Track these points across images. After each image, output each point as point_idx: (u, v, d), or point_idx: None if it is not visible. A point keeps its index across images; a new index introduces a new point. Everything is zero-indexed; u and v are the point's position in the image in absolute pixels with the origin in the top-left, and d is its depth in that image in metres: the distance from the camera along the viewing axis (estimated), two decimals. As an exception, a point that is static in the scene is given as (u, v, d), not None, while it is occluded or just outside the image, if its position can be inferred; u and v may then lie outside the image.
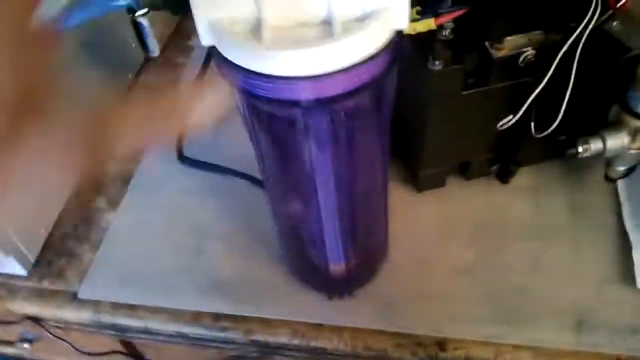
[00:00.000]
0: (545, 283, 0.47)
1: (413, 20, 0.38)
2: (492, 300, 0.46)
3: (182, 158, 0.57)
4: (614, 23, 0.40)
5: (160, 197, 0.56)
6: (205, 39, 0.27)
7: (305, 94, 0.26)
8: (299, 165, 0.34)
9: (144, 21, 0.67)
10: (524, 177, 0.52)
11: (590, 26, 0.37)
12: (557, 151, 0.44)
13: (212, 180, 0.56)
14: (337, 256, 0.42)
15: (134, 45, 0.67)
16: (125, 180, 0.58)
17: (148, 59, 0.71)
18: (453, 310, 0.46)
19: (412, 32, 0.38)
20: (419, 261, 0.48)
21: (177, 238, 0.53)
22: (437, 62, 0.39)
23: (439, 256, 0.49)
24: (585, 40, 0.39)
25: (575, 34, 0.38)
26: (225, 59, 0.26)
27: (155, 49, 0.71)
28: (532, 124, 0.42)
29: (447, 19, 0.39)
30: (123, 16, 0.65)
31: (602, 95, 0.43)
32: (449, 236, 0.50)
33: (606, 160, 0.46)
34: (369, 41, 0.25)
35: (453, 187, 0.53)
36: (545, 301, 0.45)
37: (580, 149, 0.42)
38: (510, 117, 0.42)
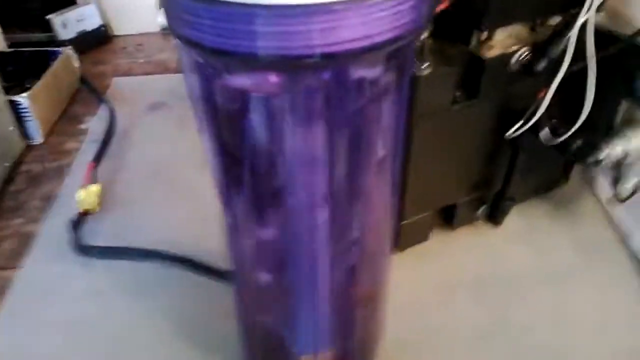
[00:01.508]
0: (576, 338, 0.37)
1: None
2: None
3: (82, 248, 0.43)
4: (601, 15, 0.36)
5: (52, 308, 0.40)
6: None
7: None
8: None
9: (24, 101, 0.55)
10: (512, 219, 0.45)
11: (587, 15, 0.32)
12: (573, 160, 0.37)
13: (123, 271, 0.42)
14: (323, 339, 0.29)
15: (11, 128, 0.54)
16: (-1, 292, 0.42)
17: (30, 146, 0.57)
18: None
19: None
20: (424, 332, 0.37)
21: (81, 360, 0.36)
22: (423, 65, 0.32)
23: (445, 322, 0.38)
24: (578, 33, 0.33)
25: (579, 22, 0.32)
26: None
27: (37, 134, 0.57)
28: (547, 129, 0.34)
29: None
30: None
31: (605, 92, 0.37)
32: (449, 296, 0.40)
33: (614, 178, 0.40)
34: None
35: (438, 241, 0.43)
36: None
37: (603, 153, 0.35)
38: (519, 124, 0.34)
